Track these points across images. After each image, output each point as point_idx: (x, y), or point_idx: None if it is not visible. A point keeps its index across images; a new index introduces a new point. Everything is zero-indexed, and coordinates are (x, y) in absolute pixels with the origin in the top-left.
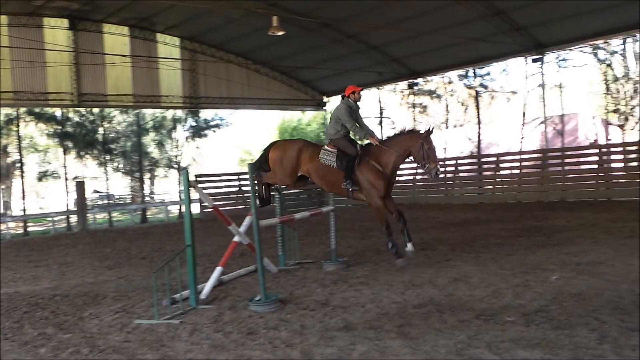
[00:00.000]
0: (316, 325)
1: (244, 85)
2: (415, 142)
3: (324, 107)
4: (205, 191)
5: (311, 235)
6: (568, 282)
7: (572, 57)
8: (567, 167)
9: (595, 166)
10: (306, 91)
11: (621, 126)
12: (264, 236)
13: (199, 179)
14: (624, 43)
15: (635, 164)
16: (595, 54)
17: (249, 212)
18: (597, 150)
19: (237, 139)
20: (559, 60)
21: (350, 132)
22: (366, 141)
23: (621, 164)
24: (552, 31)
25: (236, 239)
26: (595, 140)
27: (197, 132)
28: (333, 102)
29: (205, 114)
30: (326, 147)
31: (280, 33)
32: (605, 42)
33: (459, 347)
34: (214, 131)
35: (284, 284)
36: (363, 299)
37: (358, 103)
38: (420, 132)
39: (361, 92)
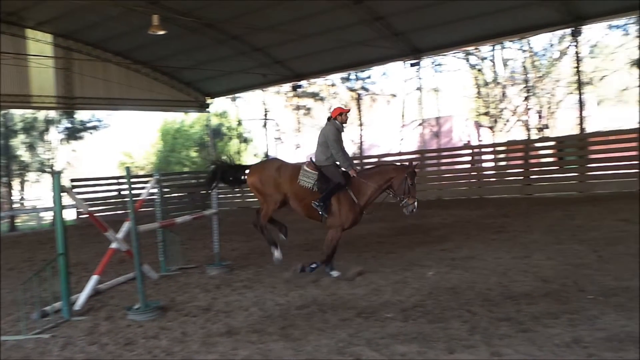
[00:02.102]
0: (198, 332)
1: (123, 85)
2: (399, 175)
3: (207, 109)
4: (82, 196)
5: (194, 240)
6: (443, 277)
7: (447, 62)
8: (443, 167)
9: (469, 166)
10: (189, 92)
11: (491, 128)
12: (145, 242)
13: (74, 183)
14: (493, 50)
15: (503, 163)
16: (468, 60)
17: (127, 217)
18: (470, 151)
19: (117, 141)
20: (435, 65)
21: (335, 157)
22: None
23: (491, 164)
24: (428, 37)
25: (114, 245)
26: (469, 141)
27: (73, 134)
28: (217, 104)
29: (82, 115)
30: (306, 167)
31: (161, 32)
32: (476, 49)
33: (340, 346)
34: (91, 133)
35: (165, 291)
36: (246, 302)
37: (344, 125)
38: (405, 166)
39: (348, 114)
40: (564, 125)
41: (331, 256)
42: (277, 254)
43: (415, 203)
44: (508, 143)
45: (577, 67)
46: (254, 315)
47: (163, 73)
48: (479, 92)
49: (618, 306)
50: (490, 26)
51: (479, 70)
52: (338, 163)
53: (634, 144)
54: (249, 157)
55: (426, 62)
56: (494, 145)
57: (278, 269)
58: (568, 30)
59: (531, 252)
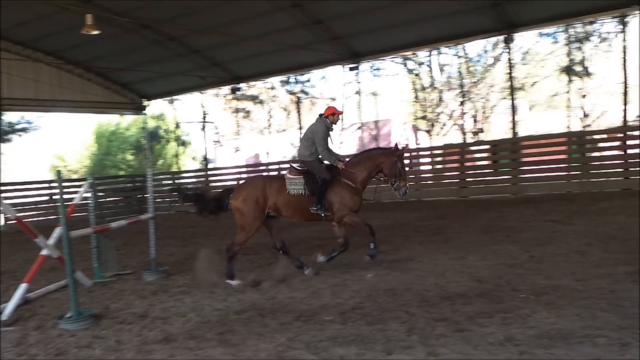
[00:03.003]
0: (133, 340)
1: (55, 86)
2: (389, 159)
3: (144, 111)
4: (10, 201)
5: (131, 245)
6: (382, 279)
7: (385, 67)
8: None
9: (407, 169)
10: (125, 94)
11: (428, 131)
12: (78, 248)
13: (2, 187)
14: (430, 55)
15: (440, 166)
16: (405, 65)
17: (59, 222)
18: (408, 154)
19: (48, 143)
20: (373, 69)
21: (321, 154)
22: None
23: (429, 167)
24: (366, 42)
25: (44, 252)
26: (407, 145)
27: (0, 136)
28: (154, 106)
29: (10, 116)
30: (288, 175)
31: (96, 32)
32: (413, 54)
33: (279, 350)
34: (20, 135)
35: (99, 298)
36: (184, 308)
37: (334, 126)
38: (393, 149)
39: (340, 117)
40: (497, 129)
41: (371, 229)
42: (234, 283)
43: (407, 185)
44: (445, 146)
45: (510, 73)
46: (192, 321)
47: (97, 74)
48: (416, 97)
49: (548, 304)
50: (427, 32)
51: (417, 75)
52: (323, 160)
53: (563, 148)
54: (187, 160)
55: (365, 66)
56: (431, 148)
57: (217, 275)
58: (501, 37)
59: (467, 253)
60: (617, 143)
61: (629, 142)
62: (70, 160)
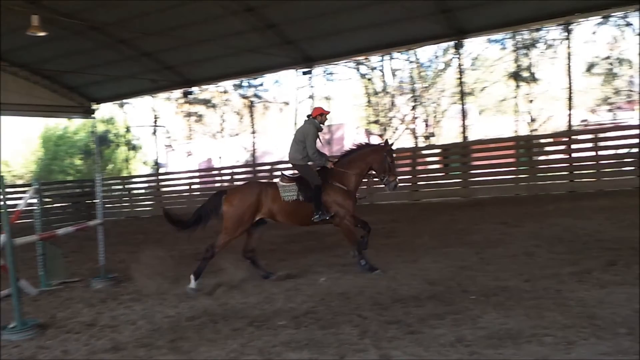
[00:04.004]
0: (81, 349)
1: None
2: (379, 156)
3: (93, 115)
4: None
5: (78, 252)
6: (335, 283)
7: (338, 71)
8: None
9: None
10: (73, 97)
11: (381, 135)
12: (24, 255)
13: None
14: (382, 60)
15: None
16: (358, 69)
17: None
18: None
19: None
20: (327, 74)
21: (311, 157)
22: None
23: None
24: (319, 46)
25: None
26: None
27: None
28: (103, 109)
29: None
30: (281, 182)
31: (42, 34)
32: (366, 59)
33: (232, 356)
34: None
35: (45, 307)
36: (134, 316)
37: (322, 126)
38: (382, 145)
39: (328, 116)
40: (448, 133)
41: (359, 247)
42: (193, 284)
43: (397, 179)
44: (397, 151)
45: (460, 78)
46: (142, 329)
47: (44, 77)
48: (369, 101)
49: (498, 305)
50: (380, 37)
51: (369, 79)
52: (311, 162)
53: (511, 152)
54: (138, 165)
55: (318, 70)
56: None
57: (168, 281)
58: (451, 43)
59: (419, 256)
60: (562, 147)
61: (573, 146)
62: (16, 165)
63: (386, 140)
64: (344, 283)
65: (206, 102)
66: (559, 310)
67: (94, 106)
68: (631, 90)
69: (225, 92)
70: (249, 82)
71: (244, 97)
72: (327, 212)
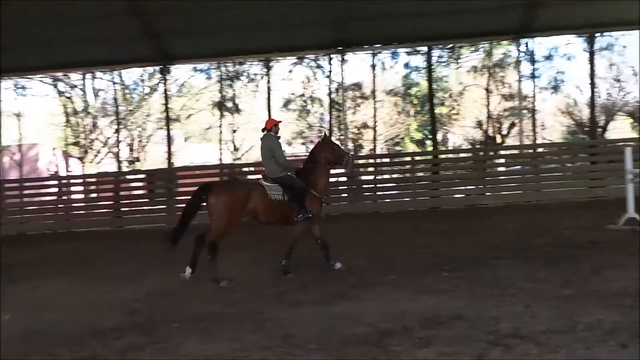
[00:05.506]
0: None
1: None
2: (329, 148)
3: None
4: None
5: None
6: (25, 320)
7: (33, 86)
8: (26, 199)
9: (55, 197)
10: None
11: (81, 158)
12: None
13: None
14: (84, 78)
15: (94, 195)
16: (56, 86)
17: None
18: (58, 182)
19: None
20: (18, 88)
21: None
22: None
23: (81, 195)
24: (11, 57)
25: None
26: (56, 172)
27: None
28: None
29: None
30: (266, 183)
31: None
32: (65, 76)
33: None
34: None
35: None
36: None
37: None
38: (324, 138)
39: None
40: (154, 158)
41: (290, 252)
42: (225, 283)
43: (350, 154)
44: (98, 175)
45: (166, 104)
46: None
47: None
48: (68, 121)
49: (202, 331)
50: (81, 54)
51: (69, 98)
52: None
53: (216, 178)
54: None
55: (7, 84)
56: (84, 176)
57: None
58: (157, 68)
59: (121, 285)
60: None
61: None
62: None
63: (324, 133)
64: (35, 319)
65: None
66: (258, 332)
67: None
68: (322, 126)
69: None
70: None
71: None
72: (310, 211)
